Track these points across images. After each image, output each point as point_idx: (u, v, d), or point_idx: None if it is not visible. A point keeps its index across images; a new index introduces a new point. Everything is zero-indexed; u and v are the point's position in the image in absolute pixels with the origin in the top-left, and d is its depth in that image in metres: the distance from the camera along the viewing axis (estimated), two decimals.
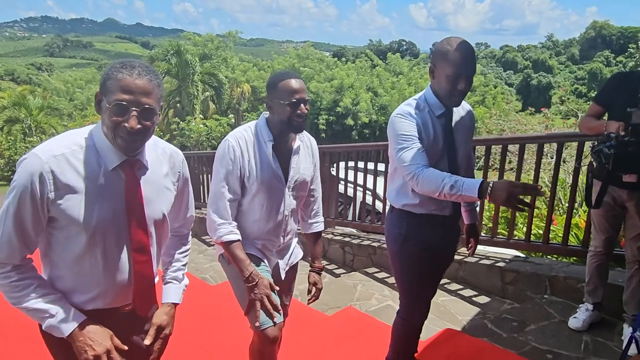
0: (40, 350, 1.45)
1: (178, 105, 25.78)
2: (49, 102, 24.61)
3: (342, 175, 5.21)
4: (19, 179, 1.26)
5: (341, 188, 5.22)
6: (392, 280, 4.03)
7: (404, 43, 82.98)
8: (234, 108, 27.87)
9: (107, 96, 1.26)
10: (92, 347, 1.31)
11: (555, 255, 3.75)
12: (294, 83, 1.89)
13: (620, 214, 2.67)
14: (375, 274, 4.26)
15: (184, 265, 1.70)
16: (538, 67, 60.48)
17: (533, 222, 3.76)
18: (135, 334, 1.51)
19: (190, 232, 1.76)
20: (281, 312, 1.93)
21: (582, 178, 3.75)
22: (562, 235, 3.49)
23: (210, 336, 3.05)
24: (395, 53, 32.70)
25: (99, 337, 1.33)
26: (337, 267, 4.84)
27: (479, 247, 3.54)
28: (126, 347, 1.38)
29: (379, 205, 4.73)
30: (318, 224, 2.27)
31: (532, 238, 3.71)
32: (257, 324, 1.86)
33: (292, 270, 2.24)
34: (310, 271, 2.24)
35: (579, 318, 2.89)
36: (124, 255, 1.40)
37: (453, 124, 1.99)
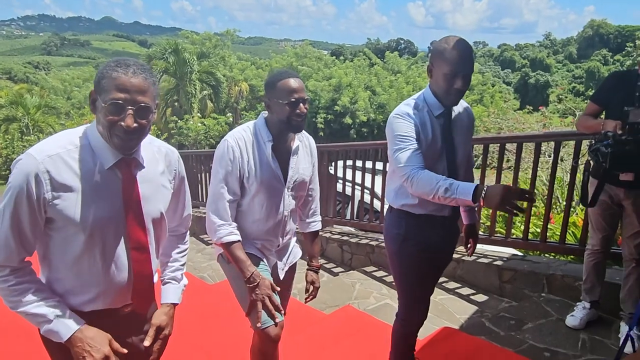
0: (40, 352, 1.45)
1: (176, 104, 25.71)
2: (47, 100, 24.54)
3: (340, 174, 5.21)
4: (14, 180, 1.25)
5: (339, 187, 5.22)
6: (390, 279, 4.03)
7: (402, 41, 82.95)
8: (232, 107, 27.81)
9: (102, 95, 1.26)
10: (91, 353, 1.30)
11: (552, 254, 3.76)
12: (293, 82, 1.88)
13: (617, 213, 2.68)
14: (373, 273, 4.26)
15: (183, 265, 1.69)
16: (536, 66, 60.48)
17: (531, 220, 3.77)
18: (134, 335, 1.51)
19: (188, 232, 1.76)
20: (282, 312, 1.93)
21: (580, 176, 3.77)
22: (559, 233, 3.50)
23: (209, 335, 3.06)
24: (394, 52, 32.63)
25: (98, 343, 1.32)
26: (335, 265, 4.85)
27: (477, 245, 3.55)
28: (125, 351, 1.37)
29: (377, 204, 4.73)
30: (316, 223, 2.27)
31: (530, 236, 3.72)
32: (258, 324, 1.86)
33: (291, 270, 2.24)
34: (307, 270, 2.24)
35: (576, 316, 2.90)
36: (123, 254, 1.39)
37: (452, 124, 1.98)
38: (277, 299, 1.92)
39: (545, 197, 3.77)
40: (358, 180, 4.90)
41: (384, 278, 4.14)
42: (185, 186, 1.63)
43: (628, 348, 2.22)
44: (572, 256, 3.62)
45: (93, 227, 1.31)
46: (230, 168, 1.91)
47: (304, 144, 2.10)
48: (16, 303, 1.29)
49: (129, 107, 1.25)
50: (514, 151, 4.00)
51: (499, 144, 3.92)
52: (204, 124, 22.62)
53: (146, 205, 1.42)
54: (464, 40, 1.85)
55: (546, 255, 3.78)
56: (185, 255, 1.71)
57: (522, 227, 3.70)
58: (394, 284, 2.44)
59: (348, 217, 5.20)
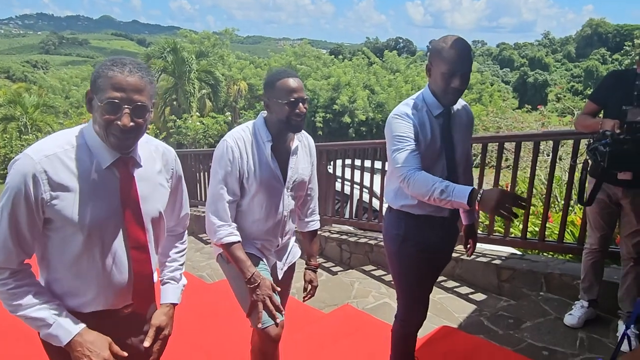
0: (41, 356, 1.44)
1: (174, 103, 25.69)
2: (45, 99, 24.48)
3: (339, 173, 5.21)
4: (11, 180, 1.25)
5: (338, 186, 5.22)
6: (389, 278, 4.03)
7: (400, 40, 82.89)
8: (230, 106, 27.79)
9: (99, 94, 1.25)
10: (90, 357, 1.30)
11: (551, 253, 3.76)
12: (292, 82, 1.87)
13: (616, 212, 2.69)
14: (372, 272, 4.27)
15: (182, 265, 1.69)
16: (534, 65, 60.49)
17: (529, 219, 3.77)
18: (134, 336, 1.50)
19: (186, 231, 1.75)
20: (283, 312, 1.93)
21: (578, 175, 3.77)
22: (558, 232, 3.51)
23: (208, 334, 3.06)
24: (392, 51, 32.64)
25: (97, 347, 1.31)
26: (334, 264, 4.85)
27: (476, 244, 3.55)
28: (125, 354, 1.37)
29: (375, 203, 4.73)
30: (314, 222, 2.27)
31: (528, 235, 3.72)
32: (259, 324, 1.86)
33: (290, 269, 2.24)
34: (305, 269, 2.24)
35: (574, 315, 2.91)
36: (122, 254, 1.39)
37: (451, 123, 1.98)
38: (277, 299, 1.92)
39: (544, 196, 3.78)
40: (357, 179, 4.90)
41: (382, 277, 4.14)
42: (183, 185, 1.63)
43: (625, 347, 2.22)
44: (570, 255, 3.63)
45: (91, 227, 1.31)
46: (230, 168, 1.90)
47: (303, 143, 2.09)
48: (15, 307, 1.28)
49: (126, 106, 1.25)
50: (513, 150, 4.01)
51: (497, 143, 3.92)
52: (203, 123, 22.60)
53: (145, 204, 1.41)
54: (462, 39, 1.85)
55: (544, 254, 3.79)
56: (183, 255, 1.71)
57: (521, 226, 3.71)
58: (392, 283, 2.44)
59: (347, 216, 5.20)
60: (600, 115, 2.68)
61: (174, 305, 1.60)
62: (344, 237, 4.88)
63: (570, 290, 3.19)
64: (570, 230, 3.91)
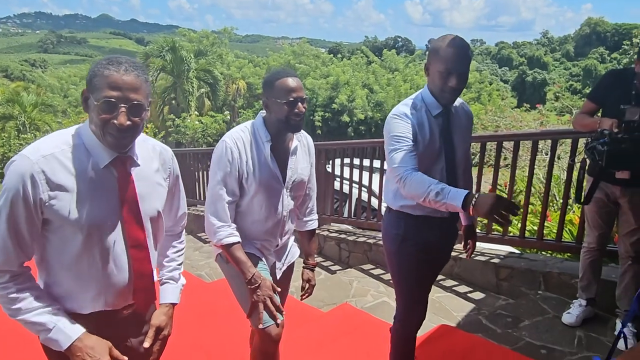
0: (41, 359, 1.44)
1: (173, 102, 25.66)
2: (43, 98, 24.43)
3: (338, 172, 5.21)
4: (9, 181, 1.24)
5: (337, 185, 5.22)
6: (387, 276, 4.04)
7: (399, 39, 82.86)
8: (229, 105, 27.76)
9: (95, 94, 1.25)
10: None
11: (549, 252, 3.77)
12: (291, 81, 1.87)
13: (614, 211, 2.70)
14: (370, 271, 4.27)
15: (180, 264, 1.68)
16: (533, 64, 60.49)
17: (527, 218, 3.78)
18: (134, 337, 1.50)
19: (184, 231, 1.75)
20: (283, 312, 1.93)
21: (577, 174, 3.78)
22: (556, 231, 3.51)
23: (207, 333, 3.06)
24: (391, 49, 32.68)
25: (97, 352, 1.31)
26: (332, 263, 4.85)
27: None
28: (126, 358, 1.36)
29: (374, 201, 4.73)
30: (312, 222, 2.27)
31: (527, 234, 3.73)
32: (260, 325, 1.86)
33: (289, 269, 2.24)
34: (304, 268, 2.24)
35: (572, 313, 2.92)
36: (122, 253, 1.38)
37: (451, 123, 1.97)
38: (277, 299, 1.92)
39: (543, 194, 3.78)
40: (355, 178, 4.91)
41: (381, 276, 4.15)
42: (180, 185, 1.62)
43: (622, 345, 2.23)
44: (568, 254, 3.64)
45: (90, 227, 1.30)
46: (229, 169, 1.89)
47: (302, 143, 2.09)
48: (15, 311, 1.28)
49: (122, 105, 1.24)
50: (511, 149, 4.01)
51: (496, 142, 3.92)
52: (202, 122, 22.57)
53: (143, 203, 1.41)
54: (460, 38, 1.84)
55: (543, 253, 3.80)
56: (182, 254, 1.71)
57: (519, 225, 3.71)
58: (391, 282, 2.44)
59: (346, 215, 5.20)
60: (599, 114, 2.69)
61: (174, 305, 1.60)
62: (342, 236, 4.89)
63: (568, 288, 3.20)
64: (569, 229, 3.92)
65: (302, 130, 2.05)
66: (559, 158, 6.23)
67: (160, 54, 24.56)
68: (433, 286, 2.25)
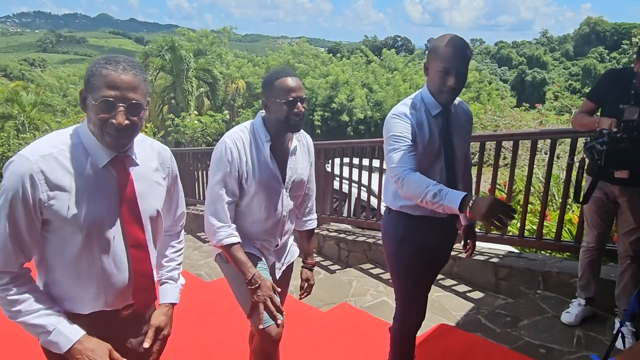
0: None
1: (172, 101, 25.65)
2: (42, 98, 24.37)
3: (337, 171, 5.21)
4: (8, 182, 1.23)
5: (336, 184, 5.23)
6: (387, 276, 4.04)
7: (399, 39, 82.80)
8: (228, 104, 27.75)
9: (93, 93, 1.24)
10: None
11: (548, 251, 3.77)
12: (290, 81, 1.86)
13: (613, 210, 2.70)
14: (370, 270, 4.27)
15: (179, 264, 1.68)
16: (532, 63, 60.47)
17: (527, 217, 3.78)
18: (134, 337, 1.50)
19: (183, 231, 1.74)
20: (284, 312, 1.93)
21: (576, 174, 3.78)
22: (555, 231, 3.52)
23: (206, 332, 3.06)
24: (391, 49, 32.68)
25: (97, 354, 1.30)
26: (332, 263, 4.85)
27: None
28: None
29: (373, 201, 4.74)
30: (311, 221, 2.27)
31: (526, 234, 3.74)
32: (260, 325, 1.86)
33: (288, 269, 2.24)
34: (302, 267, 2.24)
35: (571, 313, 2.92)
36: (122, 253, 1.38)
37: (450, 123, 1.96)
38: (278, 299, 1.92)
39: (542, 194, 3.79)
40: (355, 177, 4.91)
41: (380, 275, 4.15)
42: (179, 184, 1.62)
43: (620, 344, 2.23)
44: (567, 253, 3.64)
45: (90, 227, 1.30)
46: (229, 169, 1.89)
47: (301, 143, 2.09)
48: (15, 313, 1.27)
49: (120, 105, 1.24)
50: (511, 148, 4.01)
51: (495, 142, 3.92)
52: (201, 122, 22.56)
53: (143, 203, 1.41)
54: (459, 38, 1.83)
55: (542, 252, 3.80)
56: (181, 254, 1.70)
57: (518, 225, 3.72)
58: (390, 281, 2.44)
59: (345, 214, 5.21)
60: (598, 113, 2.69)
61: (173, 305, 1.60)
62: (342, 235, 4.89)
63: (567, 288, 3.21)
64: (568, 229, 3.93)
65: (301, 130, 2.05)
66: (558, 157, 6.23)
67: (160, 53, 24.55)
68: (432, 285, 2.25)
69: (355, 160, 4.96)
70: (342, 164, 5.16)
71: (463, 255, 3.77)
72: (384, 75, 26.76)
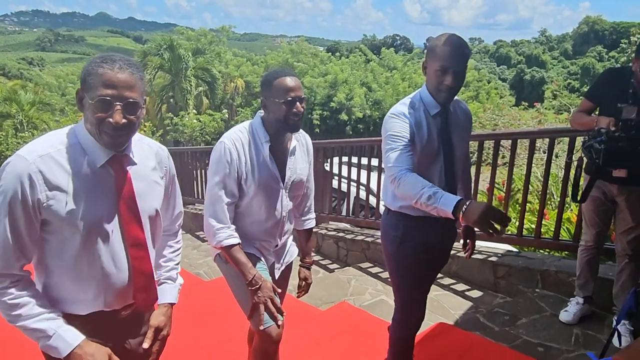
0: None
1: (171, 100, 25.60)
2: (41, 97, 24.31)
3: (335, 170, 5.21)
4: (6, 183, 1.22)
5: (335, 183, 5.23)
6: (385, 275, 4.04)
7: (398, 38, 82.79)
8: (227, 103, 27.71)
9: (89, 92, 1.24)
10: None
11: (547, 250, 3.78)
12: (289, 81, 1.85)
13: (611, 209, 2.70)
14: (369, 269, 4.28)
15: (177, 264, 1.68)
16: (531, 62, 60.52)
17: (525, 216, 3.79)
18: (133, 337, 1.50)
19: (181, 230, 1.74)
20: (284, 313, 1.93)
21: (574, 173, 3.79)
22: (553, 229, 3.52)
23: (205, 332, 3.06)
24: (389, 48, 32.68)
25: (97, 359, 1.30)
26: (331, 262, 4.86)
27: None
28: None
29: (372, 200, 4.74)
30: (310, 221, 2.27)
31: (524, 232, 3.74)
32: (261, 327, 1.86)
33: (287, 268, 2.24)
34: (300, 266, 2.24)
35: (569, 311, 2.93)
36: (121, 252, 1.37)
37: (449, 123, 1.95)
38: (278, 300, 1.92)
39: (540, 193, 3.79)
40: (354, 176, 4.91)
41: (379, 274, 4.15)
42: (176, 184, 1.61)
43: (616, 342, 2.24)
44: (566, 252, 3.64)
45: (89, 227, 1.29)
46: (228, 170, 1.88)
47: (300, 143, 2.08)
48: (15, 317, 1.26)
49: (117, 103, 1.23)
50: (509, 147, 4.02)
51: (493, 141, 3.93)
52: (200, 121, 22.53)
53: (141, 202, 1.40)
54: (457, 36, 1.83)
55: (540, 251, 3.81)
56: (179, 254, 1.70)
57: (517, 223, 3.72)
58: (389, 280, 2.44)
59: (344, 213, 5.21)
60: (596, 112, 2.69)
61: (172, 305, 1.59)
62: (340, 234, 4.89)
63: (565, 287, 3.21)
64: (566, 228, 3.93)
65: (300, 130, 2.04)
66: (556, 156, 6.25)
67: (158, 52, 24.50)
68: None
69: (354, 159, 4.96)
70: (340, 163, 5.16)
71: (462, 254, 3.78)
72: (382, 74, 26.75)
